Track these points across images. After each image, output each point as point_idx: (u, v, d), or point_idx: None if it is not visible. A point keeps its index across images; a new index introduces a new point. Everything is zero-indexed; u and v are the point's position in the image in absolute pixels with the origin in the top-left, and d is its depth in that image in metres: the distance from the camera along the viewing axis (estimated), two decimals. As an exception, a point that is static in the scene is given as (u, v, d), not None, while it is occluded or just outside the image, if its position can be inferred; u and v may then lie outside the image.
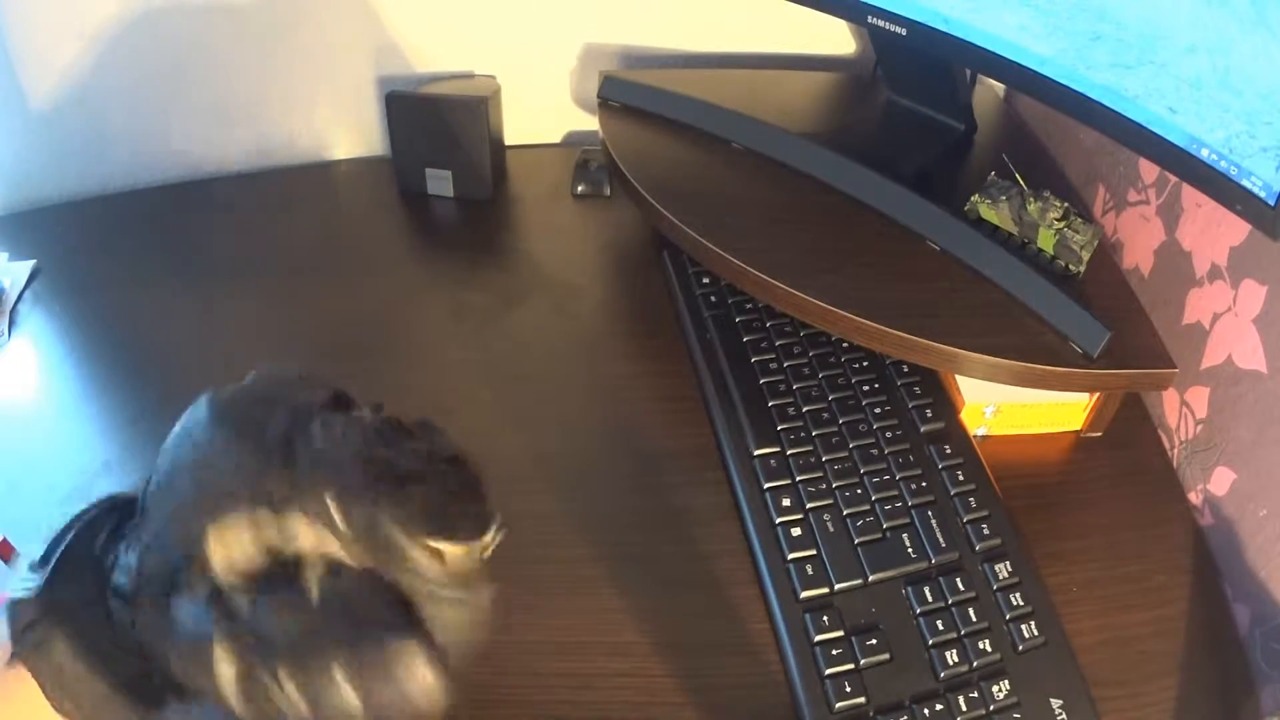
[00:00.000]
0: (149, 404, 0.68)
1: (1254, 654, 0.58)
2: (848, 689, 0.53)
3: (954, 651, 0.55)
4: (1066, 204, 0.68)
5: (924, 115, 0.81)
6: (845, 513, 0.61)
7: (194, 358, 0.72)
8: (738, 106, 0.78)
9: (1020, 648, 0.56)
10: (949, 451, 0.65)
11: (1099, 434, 0.69)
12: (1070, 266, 0.67)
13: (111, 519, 0.35)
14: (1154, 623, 0.59)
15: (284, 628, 0.32)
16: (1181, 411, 0.67)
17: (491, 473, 0.36)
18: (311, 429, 0.34)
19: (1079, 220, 0.67)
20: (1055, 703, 0.54)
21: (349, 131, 0.90)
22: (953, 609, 0.57)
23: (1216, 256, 0.63)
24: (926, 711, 0.53)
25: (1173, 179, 0.67)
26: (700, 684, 0.55)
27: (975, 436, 0.68)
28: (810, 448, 0.64)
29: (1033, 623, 0.57)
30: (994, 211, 0.69)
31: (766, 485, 0.62)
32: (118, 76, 0.82)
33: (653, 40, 0.89)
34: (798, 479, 0.63)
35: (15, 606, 0.33)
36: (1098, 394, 0.66)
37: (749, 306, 0.73)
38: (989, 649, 0.55)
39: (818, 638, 0.55)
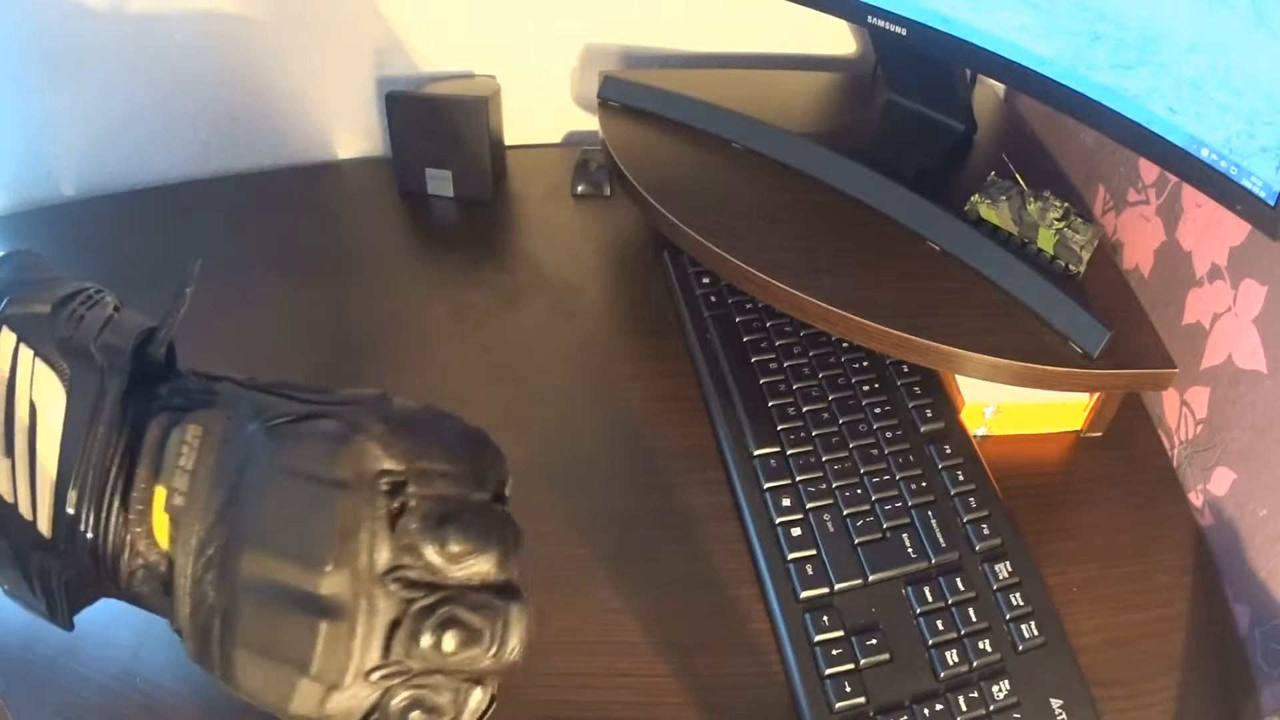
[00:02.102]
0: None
1: (1254, 654, 0.58)
2: (848, 689, 0.53)
3: (954, 651, 0.55)
4: (1066, 204, 0.68)
5: (924, 115, 0.81)
6: (845, 513, 0.61)
7: (193, 358, 0.71)
8: (738, 106, 0.78)
9: (1020, 648, 0.56)
10: (949, 451, 0.65)
11: (1099, 434, 0.69)
12: (1070, 266, 0.67)
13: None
14: (1154, 623, 0.59)
15: None
16: (1181, 411, 0.67)
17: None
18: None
19: (1079, 220, 0.67)
20: (1055, 703, 0.54)
21: (349, 131, 0.90)
22: (953, 609, 0.57)
23: (1216, 256, 0.63)
24: (926, 711, 0.53)
25: (1173, 179, 0.67)
26: (700, 684, 0.55)
27: (975, 436, 0.68)
28: (810, 448, 0.64)
29: (1033, 623, 0.57)
30: (994, 211, 0.69)
31: (766, 485, 0.63)
32: (118, 76, 0.82)
33: (653, 40, 0.89)
34: (798, 479, 0.63)
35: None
36: (1098, 394, 0.66)
37: (749, 306, 0.73)
38: (989, 649, 0.55)
39: (818, 638, 0.55)
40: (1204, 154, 0.55)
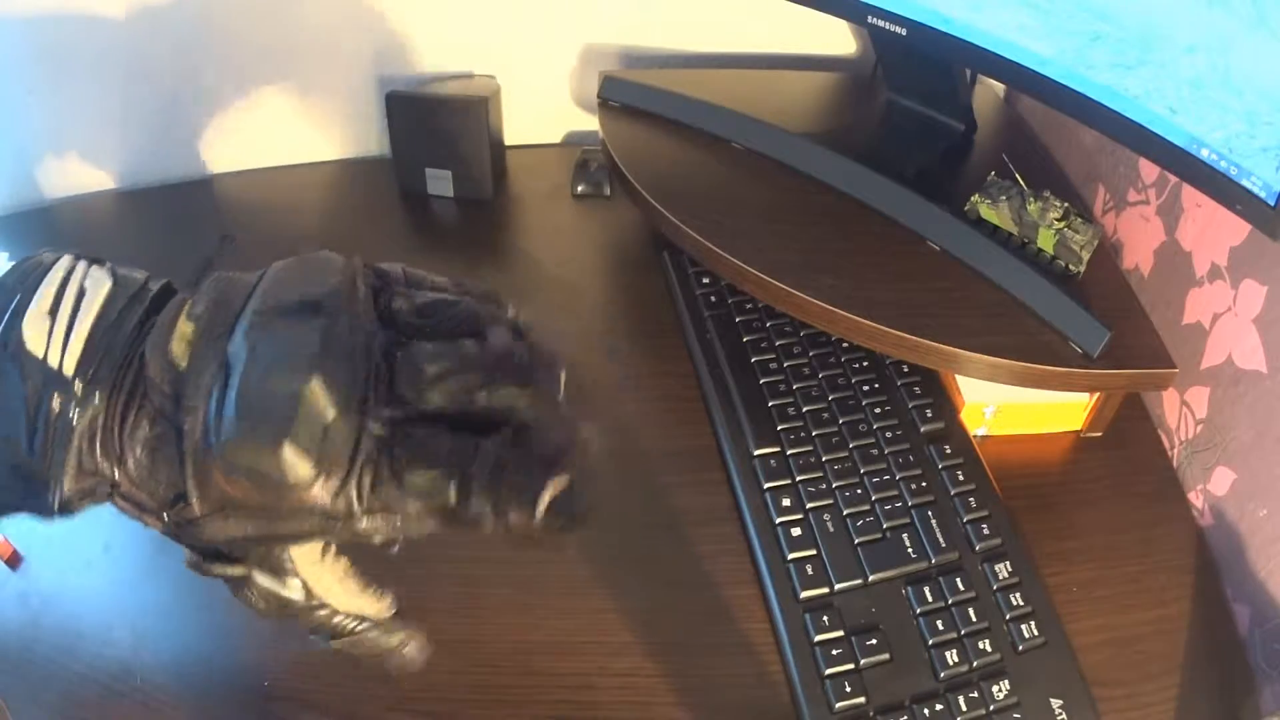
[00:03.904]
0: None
1: (1254, 654, 0.58)
2: (848, 689, 0.53)
3: (954, 651, 0.55)
4: (1066, 204, 0.68)
5: (924, 115, 0.81)
6: (845, 513, 0.61)
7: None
8: (738, 106, 0.78)
9: (1020, 648, 0.56)
10: (949, 451, 0.65)
11: (1099, 434, 0.69)
12: (1070, 266, 0.67)
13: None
14: (1154, 623, 0.59)
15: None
16: (1181, 411, 0.67)
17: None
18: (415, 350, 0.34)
19: (1079, 220, 0.67)
20: (1055, 703, 0.54)
21: (349, 131, 0.90)
22: (953, 609, 0.57)
23: (1216, 256, 0.63)
24: (926, 711, 0.53)
25: (1173, 179, 0.67)
26: (700, 684, 0.55)
27: (975, 436, 0.68)
28: (810, 448, 0.64)
29: (1033, 623, 0.57)
30: (994, 211, 0.69)
31: (766, 485, 0.62)
32: (117, 76, 0.82)
33: (653, 40, 0.89)
34: (798, 479, 0.63)
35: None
36: (1098, 394, 0.66)
37: (749, 306, 0.73)
38: (989, 649, 0.55)
39: (818, 638, 0.55)
40: (1204, 154, 0.55)
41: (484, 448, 0.32)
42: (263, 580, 0.36)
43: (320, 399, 0.31)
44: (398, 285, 0.36)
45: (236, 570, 0.35)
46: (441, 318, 0.34)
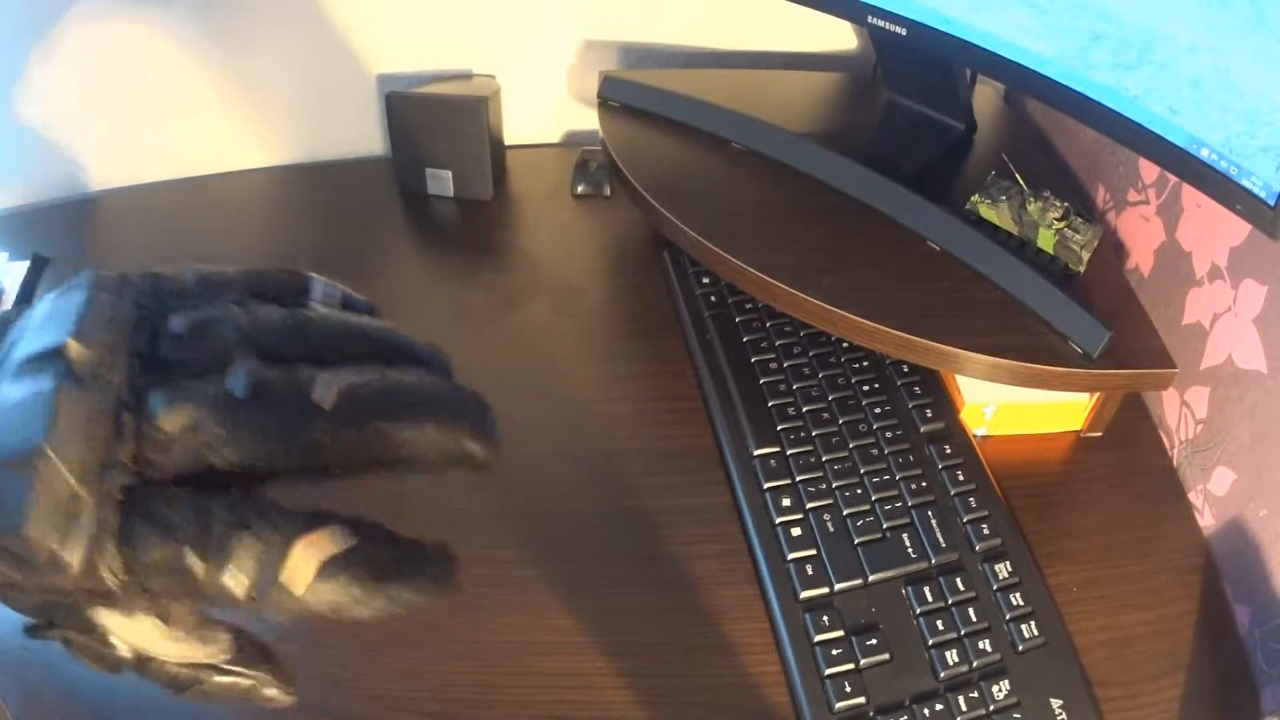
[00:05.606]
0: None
1: (1254, 654, 0.58)
2: (848, 689, 0.53)
3: (954, 651, 0.55)
4: (1067, 204, 0.68)
5: (924, 115, 0.81)
6: (845, 513, 0.61)
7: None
8: (738, 106, 0.78)
9: (1020, 648, 0.56)
10: (949, 451, 0.65)
11: (1099, 434, 0.69)
12: (1070, 266, 0.67)
13: None
14: (1154, 623, 0.59)
15: None
16: (1181, 411, 0.67)
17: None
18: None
19: (1079, 220, 0.67)
20: (1055, 703, 0.54)
21: (349, 131, 0.90)
22: (953, 609, 0.57)
23: (1216, 256, 0.63)
24: (926, 711, 0.53)
25: (1173, 179, 0.67)
26: (700, 684, 0.55)
27: (975, 436, 0.68)
28: (810, 448, 0.64)
29: (1033, 623, 0.57)
30: (994, 211, 0.69)
31: (766, 485, 0.63)
32: (118, 75, 0.82)
33: (653, 39, 0.89)
34: (798, 479, 0.63)
35: None
36: (1098, 394, 0.66)
37: (749, 306, 0.73)
38: (989, 649, 0.55)
39: (818, 638, 0.55)
40: (1204, 154, 0.55)
41: (215, 510, 0.28)
42: (82, 641, 0.32)
43: (56, 470, 0.28)
44: (175, 299, 0.32)
45: (51, 636, 0.32)
46: (209, 338, 0.30)
